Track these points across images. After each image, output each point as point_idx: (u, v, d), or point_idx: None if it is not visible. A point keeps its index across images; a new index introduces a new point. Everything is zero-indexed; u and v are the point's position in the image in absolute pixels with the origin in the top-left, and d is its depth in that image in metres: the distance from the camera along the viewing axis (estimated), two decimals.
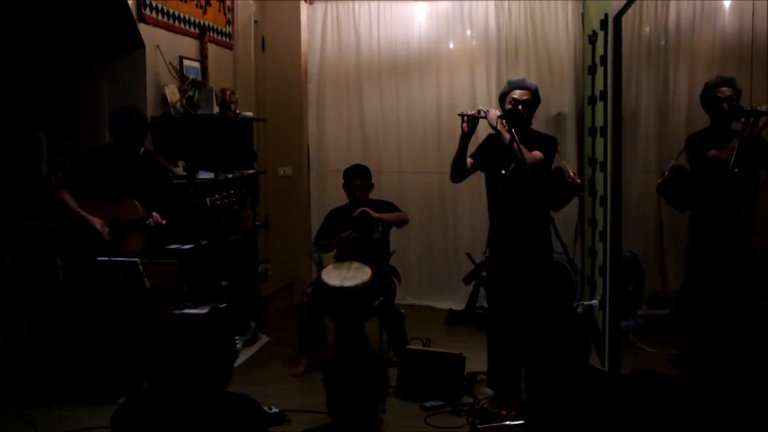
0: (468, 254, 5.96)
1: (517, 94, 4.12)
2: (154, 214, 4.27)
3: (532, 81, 4.63)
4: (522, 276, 4.10)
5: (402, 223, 5.19)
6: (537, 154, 4.05)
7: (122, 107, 4.41)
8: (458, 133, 4.14)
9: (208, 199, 4.42)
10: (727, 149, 4.11)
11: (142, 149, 4.41)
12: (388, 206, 5.19)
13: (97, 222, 4.22)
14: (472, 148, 4.26)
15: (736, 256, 4.25)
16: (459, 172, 4.24)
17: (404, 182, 6.61)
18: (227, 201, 4.45)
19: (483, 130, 4.38)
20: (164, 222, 4.30)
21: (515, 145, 3.92)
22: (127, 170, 4.32)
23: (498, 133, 3.99)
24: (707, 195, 4.26)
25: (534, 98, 4.16)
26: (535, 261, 4.12)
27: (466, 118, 4.05)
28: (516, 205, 4.10)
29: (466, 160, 4.20)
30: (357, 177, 5.06)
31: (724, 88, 4.23)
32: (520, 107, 4.07)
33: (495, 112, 4.03)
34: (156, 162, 4.48)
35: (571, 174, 4.43)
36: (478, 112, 4.06)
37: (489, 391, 4.34)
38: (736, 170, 4.01)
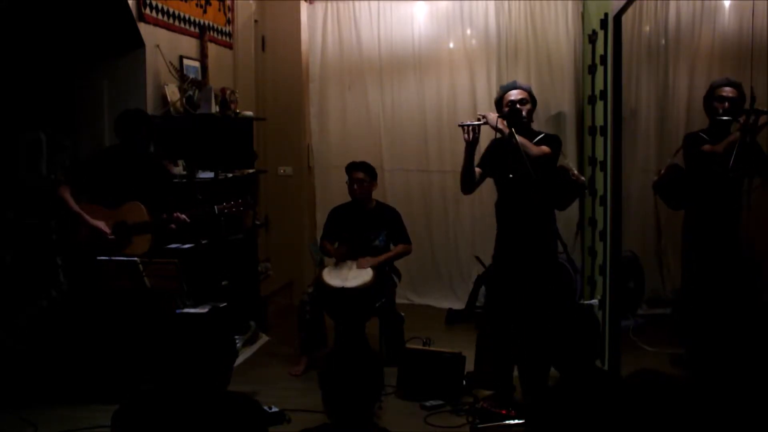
0: (477, 257, 5.96)
1: (512, 95, 4.11)
2: (178, 214, 4.29)
3: (532, 81, 4.64)
4: (526, 277, 4.09)
5: (404, 255, 5.17)
6: (544, 147, 4.03)
7: (129, 110, 4.41)
8: (459, 133, 4.12)
9: (216, 207, 4.40)
10: (721, 144, 4.12)
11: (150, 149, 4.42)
12: (392, 215, 5.15)
13: (100, 223, 4.22)
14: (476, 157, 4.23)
15: (736, 254, 4.26)
16: (469, 183, 4.17)
17: (405, 181, 6.61)
18: (235, 210, 4.42)
19: (484, 138, 4.34)
20: (189, 220, 4.31)
21: (519, 142, 3.90)
22: (132, 173, 4.33)
23: (501, 132, 3.97)
24: (703, 193, 4.26)
25: (530, 97, 4.15)
26: (541, 262, 4.11)
27: (467, 128, 3.96)
28: (523, 208, 4.09)
29: (474, 170, 4.14)
30: (357, 170, 5.04)
31: (728, 88, 4.23)
32: (518, 106, 4.07)
33: (494, 115, 4.01)
34: (161, 165, 4.48)
35: (575, 172, 4.42)
36: (478, 119, 4.00)
37: (489, 391, 4.34)
38: (731, 174, 4.01)
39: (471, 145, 4.00)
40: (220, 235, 5.06)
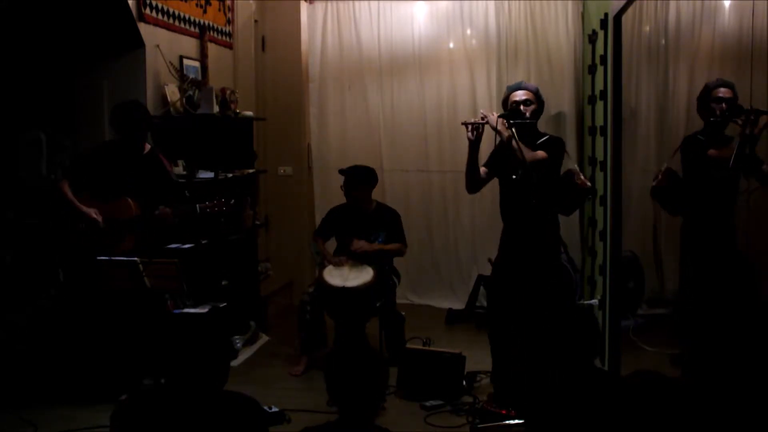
0: (489, 260, 5.96)
1: (517, 95, 4.12)
2: (162, 207, 4.27)
3: (532, 81, 4.64)
4: (529, 278, 4.08)
5: (399, 254, 5.15)
6: (539, 153, 4.03)
7: (125, 102, 4.38)
8: (459, 133, 4.14)
9: (198, 206, 4.37)
10: (727, 148, 4.11)
11: (148, 147, 4.41)
12: (391, 216, 5.14)
13: (92, 211, 4.21)
14: (483, 156, 4.22)
15: (735, 255, 4.26)
16: (473, 181, 4.17)
17: (405, 181, 6.61)
18: (217, 210, 4.40)
19: (492, 138, 4.33)
20: (171, 215, 4.29)
21: (514, 143, 3.91)
22: (130, 168, 4.32)
23: (498, 133, 3.98)
24: (705, 195, 4.25)
25: (536, 98, 4.15)
26: (542, 263, 4.11)
27: (470, 126, 3.99)
28: (525, 209, 4.08)
29: (478, 169, 4.14)
30: (353, 182, 4.98)
31: (724, 89, 4.23)
32: (522, 107, 4.08)
33: (495, 115, 4.01)
34: (159, 162, 4.48)
35: (582, 177, 4.40)
36: (481, 118, 4.02)
37: (489, 391, 4.34)
38: (732, 173, 4.01)
39: (474, 143, 4.02)
40: (216, 233, 5.05)
